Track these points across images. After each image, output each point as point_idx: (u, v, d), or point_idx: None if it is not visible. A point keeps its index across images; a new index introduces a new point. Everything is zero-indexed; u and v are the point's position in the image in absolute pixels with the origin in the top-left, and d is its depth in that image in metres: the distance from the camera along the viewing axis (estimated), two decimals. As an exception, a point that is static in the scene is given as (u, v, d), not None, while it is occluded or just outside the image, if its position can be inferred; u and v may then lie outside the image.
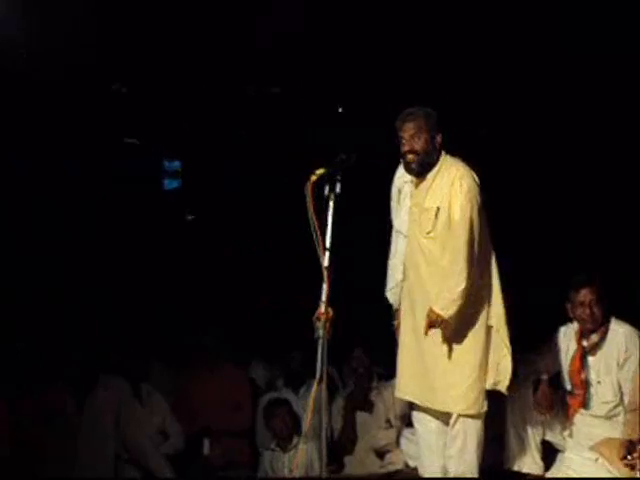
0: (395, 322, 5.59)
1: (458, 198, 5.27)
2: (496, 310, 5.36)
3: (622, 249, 7.46)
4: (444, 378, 5.30)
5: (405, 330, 5.46)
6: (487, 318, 5.33)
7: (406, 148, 5.35)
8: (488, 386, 5.33)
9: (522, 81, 7.81)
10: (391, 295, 5.57)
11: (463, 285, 5.20)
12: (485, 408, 5.30)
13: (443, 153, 5.41)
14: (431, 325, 5.22)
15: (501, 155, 8.01)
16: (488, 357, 5.32)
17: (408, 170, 5.41)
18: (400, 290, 5.50)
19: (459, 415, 5.30)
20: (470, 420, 5.30)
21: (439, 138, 5.39)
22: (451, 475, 5.35)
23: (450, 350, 5.29)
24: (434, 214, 5.30)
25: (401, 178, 5.54)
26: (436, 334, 5.28)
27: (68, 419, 6.47)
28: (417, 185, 5.43)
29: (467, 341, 5.29)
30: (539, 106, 7.95)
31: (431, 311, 5.22)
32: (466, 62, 7.62)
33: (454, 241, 5.23)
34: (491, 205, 5.40)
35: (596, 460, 5.38)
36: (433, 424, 5.44)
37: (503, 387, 5.35)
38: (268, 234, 9.14)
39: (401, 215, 5.51)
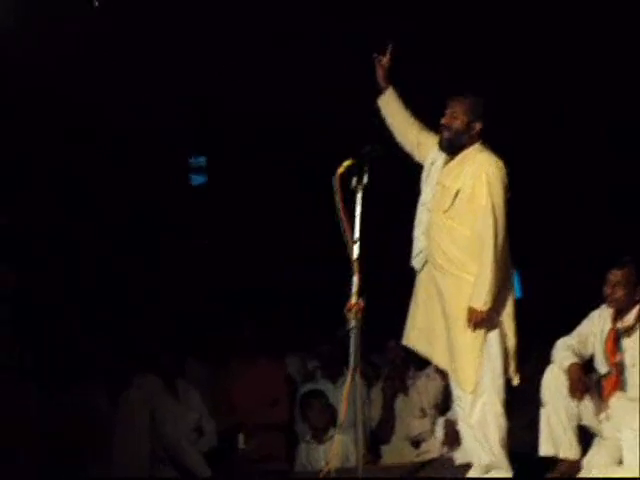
0: None
1: (484, 184, 5.36)
2: (508, 306, 5.45)
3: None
4: (454, 356, 5.39)
5: (420, 291, 5.57)
6: (501, 311, 5.42)
7: (443, 122, 5.52)
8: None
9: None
10: (415, 262, 5.64)
11: (495, 271, 5.29)
12: (494, 397, 5.35)
13: (479, 142, 5.49)
14: (473, 322, 5.30)
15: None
16: (497, 348, 5.39)
17: (440, 143, 5.55)
18: (423, 257, 5.56)
19: (474, 398, 5.34)
20: (489, 405, 5.35)
21: (477, 126, 5.49)
22: (483, 465, 5.38)
23: (455, 333, 5.39)
24: (454, 194, 5.42)
25: (438, 151, 5.62)
26: (454, 316, 5.37)
27: (102, 417, 6.50)
28: (446, 163, 5.53)
29: (481, 329, 5.36)
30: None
31: (472, 310, 5.30)
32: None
33: (484, 230, 5.33)
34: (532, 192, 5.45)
35: None
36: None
37: (513, 379, 5.46)
38: (298, 228, 9.15)
39: (427, 189, 5.59)
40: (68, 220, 8.63)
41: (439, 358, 5.56)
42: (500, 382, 5.40)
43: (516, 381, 5.48)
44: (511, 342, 5.47)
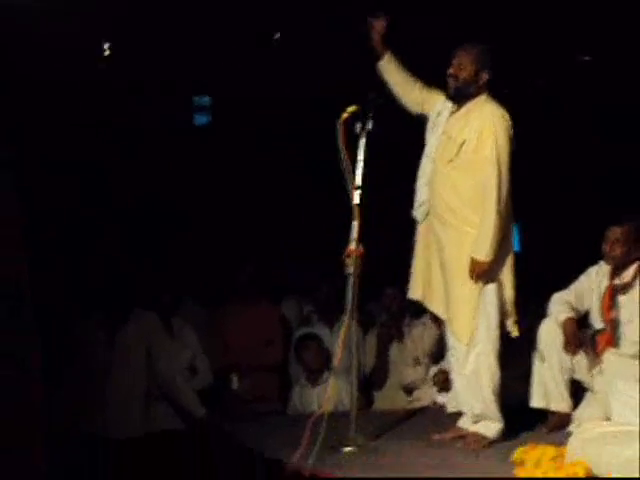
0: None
1: (490, 135, 5.35)
2: (507, 259, 5.46)
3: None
4: (451, 306, 5.41)
5: (421, 245, 5.58)
6: (500, 264, 5.42)
7: (450, 71, 5.49)
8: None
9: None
10: (417, 213, 5.63)
11: (497, 222, 5.29)
12: (488, 348, 5.37)
13: (486, 92, 5.47)
14: (475, 274, 5.30)
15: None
16: (494, 300, 5.40)
17: (447, 92, 5.54)
18: (425, 208, 5.56)
19: (468, 354, 5.37)
20: (483, 356, 5.38)
21: (485, 75, 5.47)
22: (474, 414, 5.42)
23: (454, 283, 5.39)
24: (459, 144, 5.40)
25: (444, 103, 5.60)
26: (454, 268, 5.38)
27: (99, 353, 6.54)
28: (452, 114, 5.51)
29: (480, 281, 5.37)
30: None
31: (474, 261, 5.31)
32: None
33: (487, 181, 5.32)
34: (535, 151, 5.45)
35: None
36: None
37: (512, 331, 5.49)
38: (299, 172, 9.14)
39: (432, 140, 5.57)
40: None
41: (437, 307, 5.58)
42: (495, 333, 5.42)
43: (515, 333, 5.50)
44: (509, 294, 5.49)
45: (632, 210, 6.18)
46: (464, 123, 5.44)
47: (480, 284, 5.37)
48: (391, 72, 5.67)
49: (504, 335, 5.50)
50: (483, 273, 5.33)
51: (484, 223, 5.31)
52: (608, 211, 6.44)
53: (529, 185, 5.70)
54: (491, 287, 5.41)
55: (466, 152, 5.38)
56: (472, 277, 5.32)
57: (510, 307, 5.50)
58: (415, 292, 5.65)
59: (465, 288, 5.37)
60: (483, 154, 5.35)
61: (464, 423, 5.52)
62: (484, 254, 5.30)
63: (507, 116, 5.42)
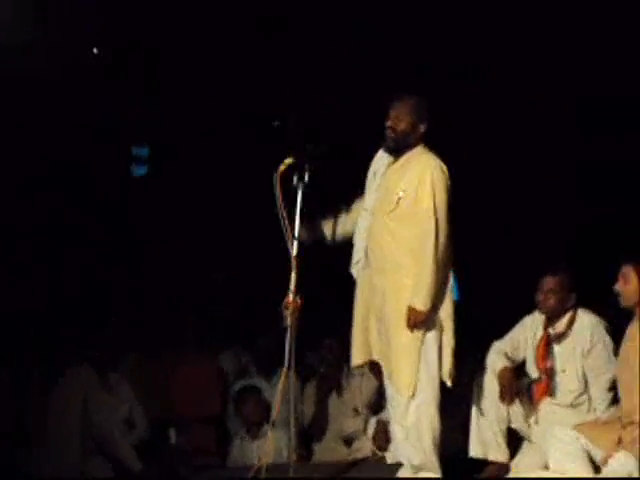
0: None
1: (427, 187, 5.39)
2: (446, 308, 5.46)
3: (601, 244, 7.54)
4: (392, 358, 5.40)
5: (361, 301, 5.58)
6: (440, 313, 5.43)
7: (388, 124, 5.52)
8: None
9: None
10: (355, 270, 5.66)
11: (435, 271, 5.32)
12: (430, 399, 5.38)
13: (422, 144, 5.53)
14: (412, 323, 5.31)
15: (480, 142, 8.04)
16: (434, 350, 5.40)
17: (385, 144, 5.58)
18: (362, 264, 5.59)
19: (408, 405, 5.37)
20: (424, 406, 5.37)
21: (422, 127, 5.53)
22: (413, 465, 5.42)
23: (394, 334, 5.39)
24: (397, 196, 5.44)
25: (380, 160, 5.65)
26: (392, 318, 5.38)
27: (35, 407, 6.46)
28: (390, 165, 5.56)
29: (419, 331, 5.37)
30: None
31: (411, 310, 5.31)
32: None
33: (425, 232, 5.35)
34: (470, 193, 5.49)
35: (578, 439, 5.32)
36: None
37: (447, 380, 5.46)
38: (237, 223, 9.13)
39: (371, 196, 5.62)
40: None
41: (379, 358, 5.56)
42: (436, 383, 5.41)
43: (450, 383, 5.49)
44: (449, 344, 5.47)
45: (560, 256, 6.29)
46: (401, 174, 5.49)
47: (420, 334, 5.36)
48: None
49: (442, 385, 5.51)
50: (420, 322, 5.33)
51: (422, 272, 5.33)
52: (545, 260, 6.51)
53: (469, 235, 5.72)
54: (431, 336, 5.40)
55: (405, 203, 5.42)
56: (409, 326, 5.33)
57: (450, 356, 5.49)
58: (357, 357, 5.63)
59: (406, 339, 5.36)
60: (421, 205, 5.38)
61: (403, 474, 5.51)
62: (421, 303, 5.32)
63: (444, 167, 5.48)
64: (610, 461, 4.98)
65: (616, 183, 7.69)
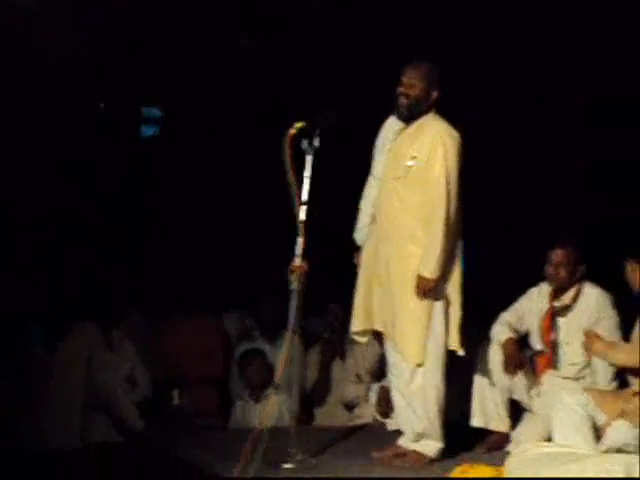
0: (356, 259, 5.69)
1: (439, 154, 5.36)
2: (455, 277, 5.46)
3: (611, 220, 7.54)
4: (396, 327, 5.39)
5: (366, 269, 5.56)
6: (448, 282, 5.43)
7: (401, 90, 5.48)
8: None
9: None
10: (358, 235, 5.65)
11: (444, 240, 5.30)
12: (436, 367, 5.38)
13: (434, 110, 5.49)
14: (421, 291, 5.30)
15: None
16: (441, 318, 5.40)
17: (396, 110, 5.53)
18: (366, 232, 5.58)
19: (415, 372, 5.37)
20: (429, 374, 5.38)
21: (435, 94, 5.49)
22: (415, 432, 5.43)
23: (402, 302, 5.38)
24: (408, 162, 5.41)
25: (389, 127, 5.61)
26: (398, 286, 5.38)
27: (39, 364, 6.48)
28: (402, 132, 5.52)
29: (427, 299, 5.36)
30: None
31: (420, 278, 5.29)
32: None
33: (436, 199, 5.33)
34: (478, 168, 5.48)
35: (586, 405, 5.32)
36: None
37: (454, 348, 5.46)
38: (246, 186, 9.12)
39: (380, 161, 5.59)
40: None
41: (383, 327, 5.54)
42: (442, 351, 5.41)
43: (461, 352, 5.48)
44: (457, 313, 5.47)
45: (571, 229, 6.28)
46: (413, 140, 5.45)
47: (427, 302, 5.36)
48: None
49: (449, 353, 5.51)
50: (429, 290, 5.32)
51: (431, 240, 5.32)
52: (551, 232, 6.51)
53: (479, 203, 5.71)
54: (439, 305, 5.40)
55: (415, 169, 5.39)
56: (418, 294, 5.32)
57: (457, 326, 5.48)
58: (356, 325, 5.61)
59: (413, 306, 5.35)
60: (433, 172, 5.36)
61: (404, 442, 5.53)
62: (430, 271, 5.30)
63: (456, 134, 5.45)
64: (608, 429, 5.00)
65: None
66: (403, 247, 5.41)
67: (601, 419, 5.06)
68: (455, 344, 5.47)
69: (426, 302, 5.36)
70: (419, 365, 5.37)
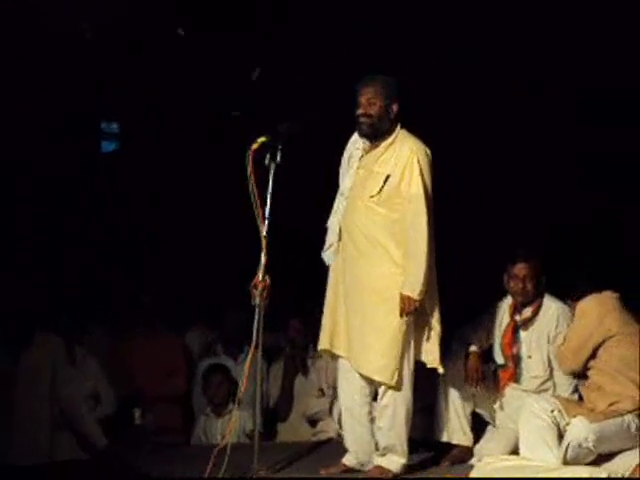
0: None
1: (414, 172, 5.33)
2: (433, 292, 5.41)
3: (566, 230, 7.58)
4: (367, 346, 5.35)
5: (333, 287, 5.52)
6: (426, 297, 5.35)
7: (361, 111, 5.43)
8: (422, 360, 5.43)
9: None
10: (326, 255, 5.61)
11: (428, 260, 5.27)
12: (407, 383, 5.36)
13: (399, 125, 5.47)
14: (407, 311, 5.25)
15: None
16: (413, 334, 5.37)
17: (360, 132, 5.49)
18: (334, 249, 5.54)
19: (387, 388, 5.36)
20: (398, 392, 5.36)
21: (395, 107, 5.45)
22: (381, 447, 5.43)
23: (375, 320, 5.34)
24: (383, 180, 5.36)
25: (354, 145, 5.59)
26: (372, 303, 5.35)
27: (2, 375, 6.42)
28: (368, 151, 5.48)
29: (394, 315, 5.31)
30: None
31: (402, 297, 5.25)
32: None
33: (416, 218, 5.28)
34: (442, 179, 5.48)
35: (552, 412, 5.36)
36: (357, 383, 5.49)
37: (434, 365, 5.44)
38: (208, 201, 9.11)
39: (347, 179, 5.55)
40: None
41: (345, 352, 5.48)
42: (412, 366, 5.38)
43: (441, 369, 5.45)
44: (436, 329, 5.41)
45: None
46: (387, 158, 5.41)
47: (403, 320, 5.29)
48: None
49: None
50: (414, 310, 5.27)
51: (416, 260, 5.25)
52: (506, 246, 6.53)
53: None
54: (411, 321, 5.34)
55: (390, 187, 5.34)
56: (402, 314, 5.25)
57: (436, 342, 5.42)
58: (323, 343, 5.56)
59: (386, 326, 5.30)
60: (409, 190, 5.31)
61: (348, 460, 5.52)
62: (417, 291, 5.24)
63: (429, 151, 5.42)
64: (568, 427, 5.14)
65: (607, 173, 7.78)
66: (378, 265, 5.36)
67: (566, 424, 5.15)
68: (435, 362, 5.42)
69: (402, 320, 5.29)
70: (394, 388, 5.32)
